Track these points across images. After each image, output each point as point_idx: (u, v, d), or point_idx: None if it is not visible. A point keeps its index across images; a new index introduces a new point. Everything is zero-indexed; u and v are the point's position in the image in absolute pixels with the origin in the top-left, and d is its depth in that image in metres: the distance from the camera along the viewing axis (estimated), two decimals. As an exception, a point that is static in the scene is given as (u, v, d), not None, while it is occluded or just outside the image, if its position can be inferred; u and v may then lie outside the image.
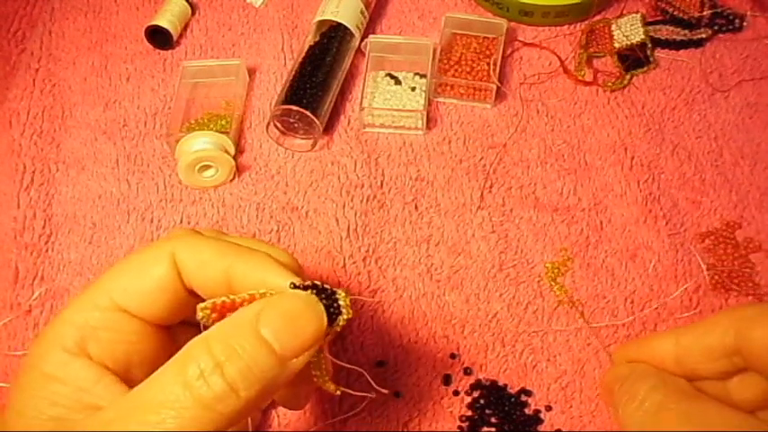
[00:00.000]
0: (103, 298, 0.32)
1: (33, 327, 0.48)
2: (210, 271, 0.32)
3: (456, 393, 0.45)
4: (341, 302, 0.31)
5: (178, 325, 0.35)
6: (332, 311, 0.31)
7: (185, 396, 0.27)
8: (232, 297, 0.31)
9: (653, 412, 0.31)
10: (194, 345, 0.29)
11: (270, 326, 0.29)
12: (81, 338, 0.31)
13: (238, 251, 0.33)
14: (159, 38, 0.61)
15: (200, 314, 0.31)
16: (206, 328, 0.30)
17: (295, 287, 0.31)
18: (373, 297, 0.49)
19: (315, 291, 0.31)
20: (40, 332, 0.33)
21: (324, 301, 0.30)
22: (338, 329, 0.31)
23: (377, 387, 0.35)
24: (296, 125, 0.55)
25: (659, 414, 0.31)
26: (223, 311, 0.31)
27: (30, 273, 0.50)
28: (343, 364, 0.35)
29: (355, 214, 0.52)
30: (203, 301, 0.31)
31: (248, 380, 0.28)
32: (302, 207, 0.53)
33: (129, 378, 0.32)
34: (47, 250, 0.51)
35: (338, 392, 0.33)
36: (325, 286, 0.31)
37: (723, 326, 0.33)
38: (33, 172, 0.55)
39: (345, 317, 0.31)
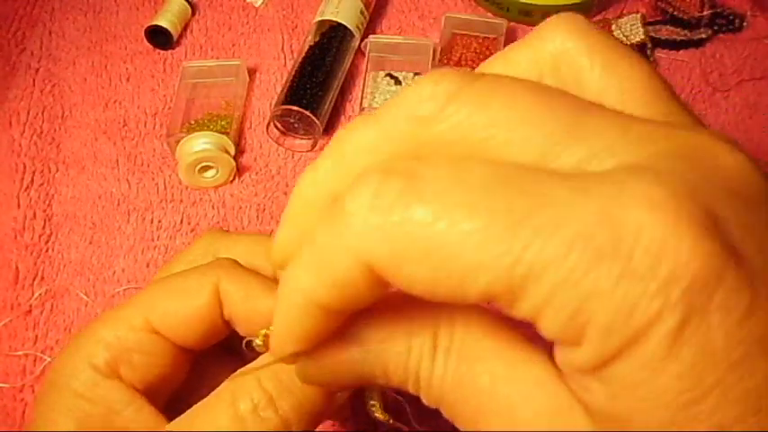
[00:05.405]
0: (138, 318, 0.32)
1: (33, 327, 0.48)
2: (258, 303, 0.32)
3: (456, 393, 0.45)
4: None
5: None
6: None
7: (239, 430, 0.28)
8: None
9: None
10: (245, 379, 0.29)
11: None
12: (113, 359, 0.31)
13: None
14: (159, 38, 0.61)
15: (257, 342, 0.30)
16: (248, 352, 0.31)
17: None
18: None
19: None
20: (67, 346, 0.32)
21: None
22: None
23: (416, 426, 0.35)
24: (296, 125, 0.55)
25: None
26: None
27: (30, 273, 0.50)
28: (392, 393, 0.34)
29: (355, 214, 0.52)
30: (234, 329, 0.32)
31: (300, 414, 0.29)
32: (302, 207, 0.53)
33: (152, 399, 0.32)
34: (47, 250, 0.51)
35: (390, 421, 0.33)
36: None
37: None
38: (33, 172, 0.55)
39: None
